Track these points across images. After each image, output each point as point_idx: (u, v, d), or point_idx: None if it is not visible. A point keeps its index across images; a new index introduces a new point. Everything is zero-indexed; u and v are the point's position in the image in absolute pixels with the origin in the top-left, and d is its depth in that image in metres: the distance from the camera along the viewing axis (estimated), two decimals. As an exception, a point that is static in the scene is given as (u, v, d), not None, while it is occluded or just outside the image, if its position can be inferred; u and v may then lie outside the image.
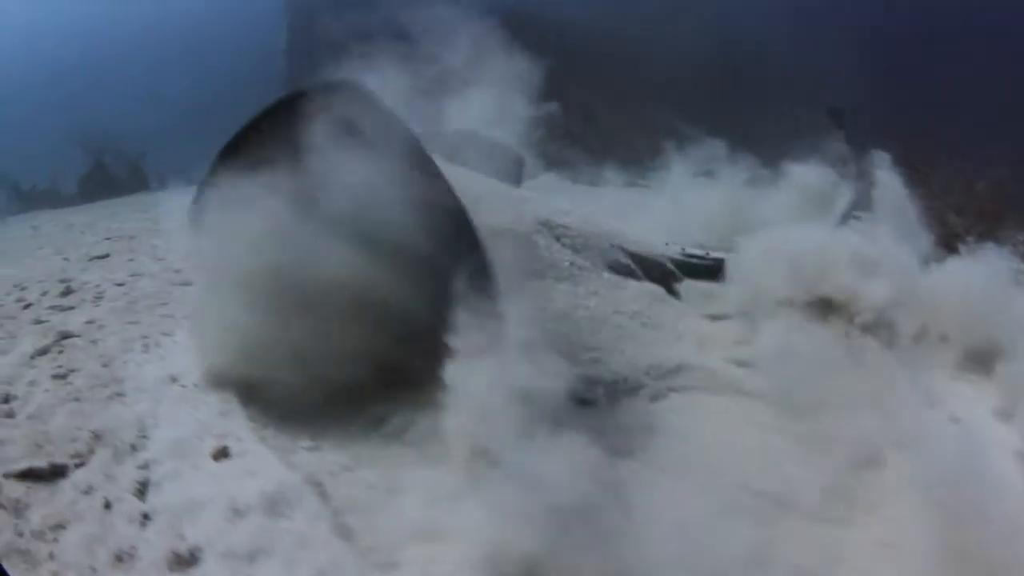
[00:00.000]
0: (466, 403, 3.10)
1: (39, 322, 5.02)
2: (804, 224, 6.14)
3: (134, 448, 3.25)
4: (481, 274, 3.46)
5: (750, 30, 22.09)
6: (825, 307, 4.81)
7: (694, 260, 6.00)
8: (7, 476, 3.00)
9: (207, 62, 36.33)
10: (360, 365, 3.46)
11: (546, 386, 3.09)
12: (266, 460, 3.07)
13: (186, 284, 5.55)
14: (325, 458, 3.22)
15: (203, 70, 36.07)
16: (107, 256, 7.06)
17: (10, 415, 3.59)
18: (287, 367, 3.40)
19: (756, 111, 18.73)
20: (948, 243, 7.54)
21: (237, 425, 3.30)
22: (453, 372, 3.17)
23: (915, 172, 8.57)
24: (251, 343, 3.55)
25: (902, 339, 4.85)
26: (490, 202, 4.17)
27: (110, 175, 16.53)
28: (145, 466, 3.12)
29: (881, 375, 4.24)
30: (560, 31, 24.89)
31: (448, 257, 3.43)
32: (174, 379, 3.84)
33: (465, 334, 3.22)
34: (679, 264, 5.84)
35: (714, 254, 6.04)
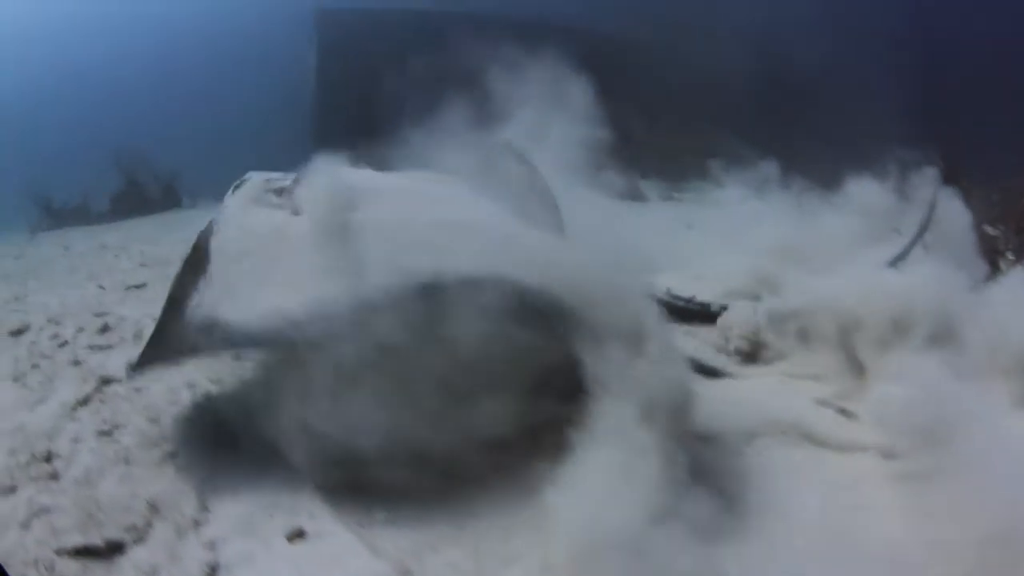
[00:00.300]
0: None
1: (77, 363, 4.74)
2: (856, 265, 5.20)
3: (196, 523, 2.90)
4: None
5: (794, 42, 21.62)
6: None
7: (680, 303, 5.37)
8: (60, 553, 2.69)
9: (239, 80, 36.34)
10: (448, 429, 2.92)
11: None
12: (348, 544, 2.68)
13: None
14: (406, 536, 2.80)
15: (235, 88, 36.09)
16: (144, 286, 6.80)
17: (54, 476, 3.30)
18: (359, 430, 2.89)
19: (806, 128, 18.25)
20: (990, 259, 6.88)
21: (307, 498, 2.93)
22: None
23: (958, 186, 8.11)
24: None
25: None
26: None
27: (143, 193, 16.33)
28: (212, 545, 2.75)
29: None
30: (601, 44, 24.62)
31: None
32: (230, 439, 3.48)
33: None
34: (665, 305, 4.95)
35: (704, 299, 5.39)
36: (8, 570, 2.31)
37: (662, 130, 18.16)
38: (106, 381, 4.30)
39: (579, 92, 11.08)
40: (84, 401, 4.02)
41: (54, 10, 47.30)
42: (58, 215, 17.25)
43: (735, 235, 7.09)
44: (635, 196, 11.41)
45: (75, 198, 17.62)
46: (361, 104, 24.04)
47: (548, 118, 12.51)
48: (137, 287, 6.58)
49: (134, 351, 4.76)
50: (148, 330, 5.11)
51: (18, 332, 5.42)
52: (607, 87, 16.32)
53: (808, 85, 20.67)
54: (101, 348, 4.98)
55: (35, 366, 4.68)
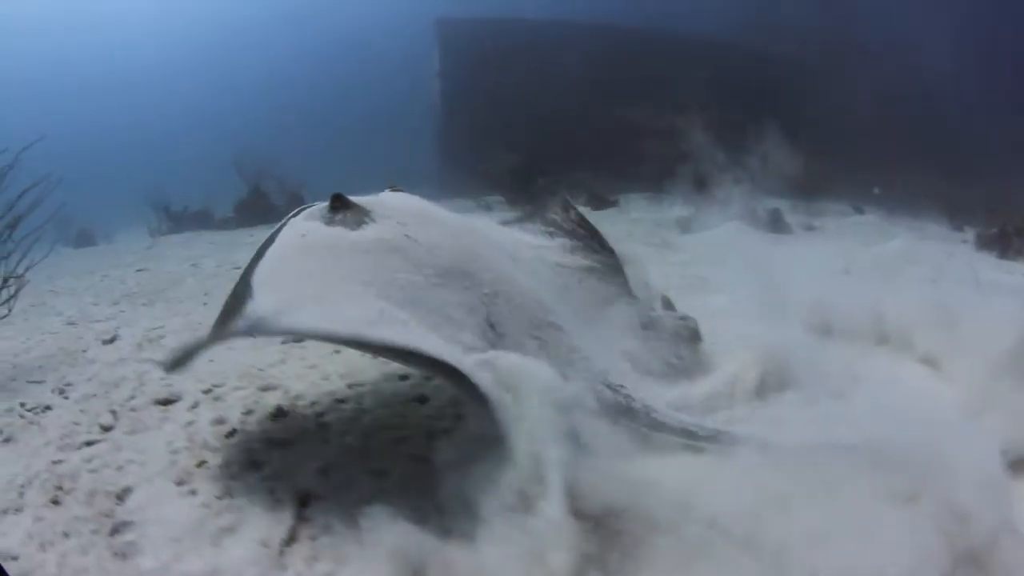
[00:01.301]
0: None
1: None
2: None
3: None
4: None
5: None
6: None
7: None
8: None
9: (364, 85, 36.26)
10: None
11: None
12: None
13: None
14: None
15: (359, 94, 36.06)
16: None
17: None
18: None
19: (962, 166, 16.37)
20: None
21: None
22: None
23: None
24: None
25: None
26: None
27: (268, 201, 15.57)
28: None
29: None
30: (738, 57, 22.81)
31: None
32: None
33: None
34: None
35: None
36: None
37: (801, 149, 16.41)
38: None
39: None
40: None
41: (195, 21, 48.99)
42: (177, 219, 16.81)
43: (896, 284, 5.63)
44: (779, 226, 10.17)
45: (195, 203, 17.14)
46: (484, 110, 23.14)
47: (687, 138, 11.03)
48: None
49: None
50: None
51: (166, 402, 4.11)
52: (745, 103, 14.53)
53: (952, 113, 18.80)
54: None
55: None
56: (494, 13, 25.21)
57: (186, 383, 4.32)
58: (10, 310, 5.18)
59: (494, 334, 2.73)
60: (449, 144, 24.19)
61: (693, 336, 3.90)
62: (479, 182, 18.16)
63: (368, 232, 2.86)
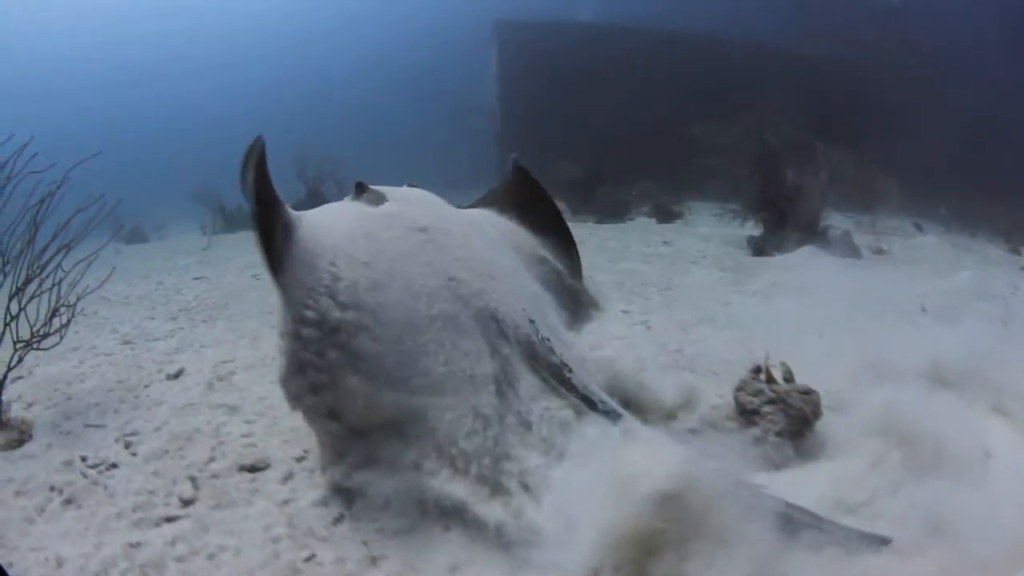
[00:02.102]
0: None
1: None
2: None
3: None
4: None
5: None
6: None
7: None
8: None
9: (422, 88, 35.94)
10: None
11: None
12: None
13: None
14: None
15: (417, 96, 35.76)
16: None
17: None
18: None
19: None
20: None
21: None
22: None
23: None
24: None
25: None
26: None
27: (325, 202, 14.83)
28: None
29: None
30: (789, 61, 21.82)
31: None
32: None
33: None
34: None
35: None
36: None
37: (865, 163, 15.31)
38: None
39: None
40: None
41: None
42: (231, 218, 16.31)
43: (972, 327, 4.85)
44: (849, 249, 9.40)
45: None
46: (542, 115, 22.44)
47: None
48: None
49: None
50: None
51: (253, 469, 3.45)
52: (812, 115, 13.51)
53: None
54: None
55: None
56: (554, 16, 24.46)
57: (271, 442, 3.60)
58: (62, 337, 4.51)
59: (455, 283, 3.18)
60: (507, 148, 23.52)
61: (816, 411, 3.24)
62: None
63: (381, 208, 3.49)
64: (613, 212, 15.65)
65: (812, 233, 9.83)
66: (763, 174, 10.91)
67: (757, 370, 3.29)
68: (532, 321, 3.26)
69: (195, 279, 9.02)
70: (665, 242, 10.63)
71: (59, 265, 4.37)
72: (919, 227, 14.09)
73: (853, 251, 9.41)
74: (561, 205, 16.64)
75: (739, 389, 3.18)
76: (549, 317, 3.50)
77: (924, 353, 3.93)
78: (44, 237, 4.39)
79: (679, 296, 6.80)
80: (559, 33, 23.76)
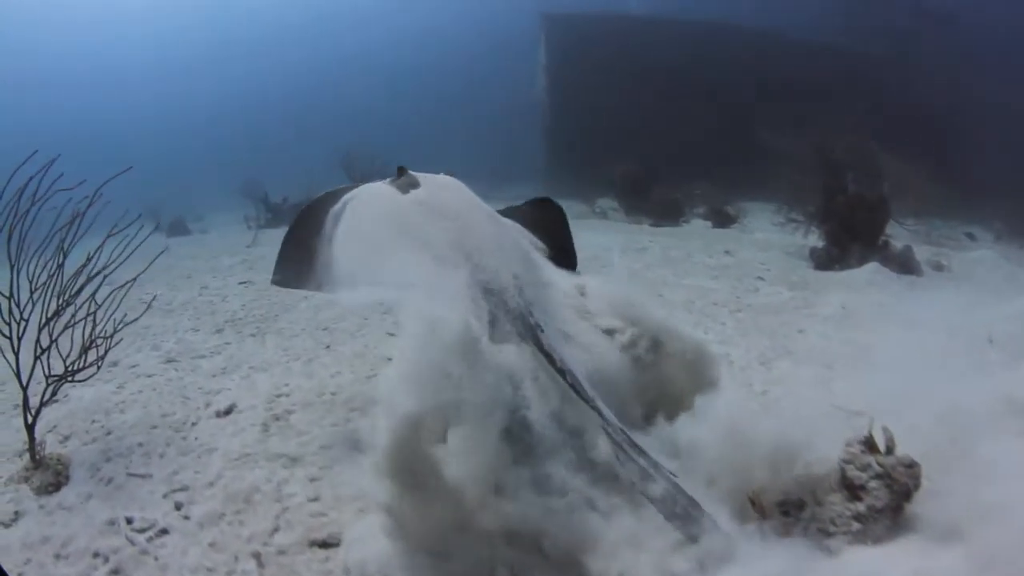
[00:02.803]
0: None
1: None
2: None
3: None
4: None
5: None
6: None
7: None
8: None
9: (472, 82, 35.55)
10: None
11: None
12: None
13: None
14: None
15: (468, 92, 35.37)
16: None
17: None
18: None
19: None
20: None
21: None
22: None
23: None
24: None
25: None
26: None
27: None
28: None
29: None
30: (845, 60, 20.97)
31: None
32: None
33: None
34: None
35: None
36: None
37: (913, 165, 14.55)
38: None
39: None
40: None
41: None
42: (277, 211, 16.01)
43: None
44: (911, 265, 9.07)
45: (297, 195, 16.28)
46: (592, 110, 21.79)
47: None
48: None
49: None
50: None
51: (325, 545, 3.00)
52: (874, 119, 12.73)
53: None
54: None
55: None
56: (603, 9, 23.71)
57: (344, 511, 3.05)
58: (98, 368, 4.01)
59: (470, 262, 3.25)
60: (556, 142, 22.95)
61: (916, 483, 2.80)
62: (589, 184, 16.75)
63: (413, 193, 3.62)
64: (667, 214, 15.00)
65: (873, 245, 9.41)
66: (828, 184, 10.44)
67: (866, 443, 2.90)
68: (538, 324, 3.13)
69: (241, 283, 8.58)
70: (727, 252, 10.09)
71: (93, 295, 3.83)
72: (971, 236, 13.89)
73: (914, 267, 9.08)
74: (612, 203, 16.22)
75: (847, 462, 2.86)
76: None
77: (1000, 397, 3.49)
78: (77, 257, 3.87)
79: (751, 320, 6.43)
80: (609, 25, 23.03)
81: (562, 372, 2.83)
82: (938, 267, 9.49)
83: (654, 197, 15.64)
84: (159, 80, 47.18)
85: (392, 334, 5.66)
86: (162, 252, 5.10)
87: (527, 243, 3.86)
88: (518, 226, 4.02)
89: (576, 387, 2.80)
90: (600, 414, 2.75)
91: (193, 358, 5.83)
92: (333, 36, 47.43)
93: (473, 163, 18.91)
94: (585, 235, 11.44)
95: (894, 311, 6.48)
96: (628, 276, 8.18)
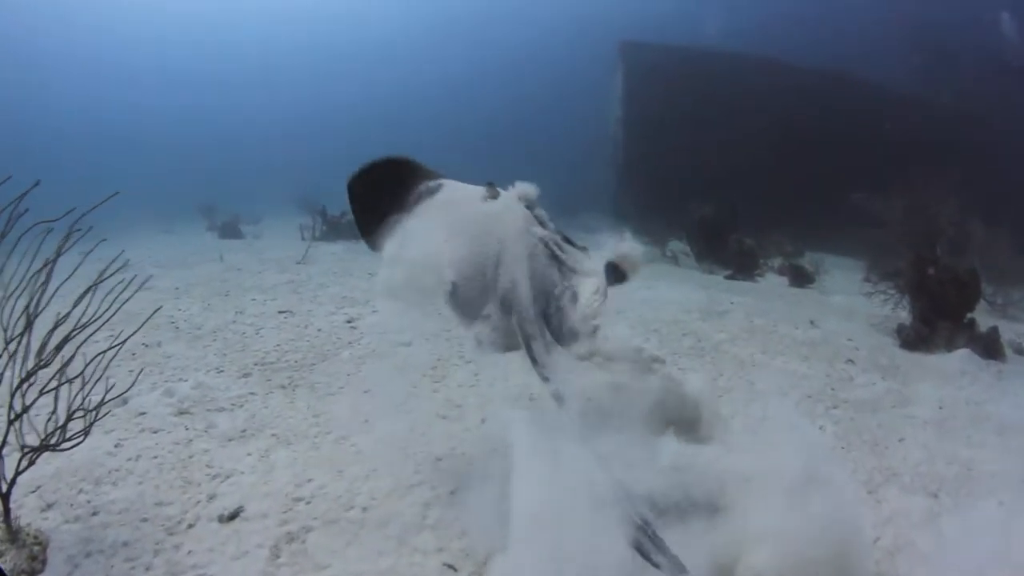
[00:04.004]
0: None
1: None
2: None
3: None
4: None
5: None
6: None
7: None
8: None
9: (544, 105, 35.19)
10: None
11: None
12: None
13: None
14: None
15: (540, 111, 35.00)
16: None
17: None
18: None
19: None
20: None
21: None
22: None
23: None
24: None
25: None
26: None
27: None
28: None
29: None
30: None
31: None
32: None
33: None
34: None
35: None
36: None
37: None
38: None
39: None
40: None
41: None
42: (333, 225, 15.42)
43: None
44: (994, 348, 8.36)
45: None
46: (669, 147, 20.80)
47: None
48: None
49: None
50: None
51: None
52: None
53: None
54: None
55: None
56: (686, 44, 22.76)
57: None
58: (87, 434, 3.22)
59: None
60: (629, 176, 21.99)
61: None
62: (659, 223, 15.78)
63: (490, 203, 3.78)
64: (741, 265, 13.90)
65: (960, 324, 8.74)
66: (921, 255, 9.46)
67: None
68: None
69: (280, 313, 7.80)
70: (812, 322, 9.08)
71: (66, 358, 3.05)
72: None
73: (998, 351, 8.39)
74: (683, 247, 15.16)
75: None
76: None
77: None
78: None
79: (849, 421, 5.65)
80: (693, 59, 22.05)
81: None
82: (1020, 350, 8.89)
83: (729, 245, 14.60)
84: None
85: (444, 417, 4.76)
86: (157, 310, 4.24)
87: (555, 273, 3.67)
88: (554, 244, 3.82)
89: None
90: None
91: (210, 410, 5.05)
92: (411, 62, 47.56)
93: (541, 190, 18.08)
94: (660, 287, 10.50)
95: (988, 412, 6.05)
96: (714, 352, 7.17)
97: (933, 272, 9.17)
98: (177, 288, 9.46)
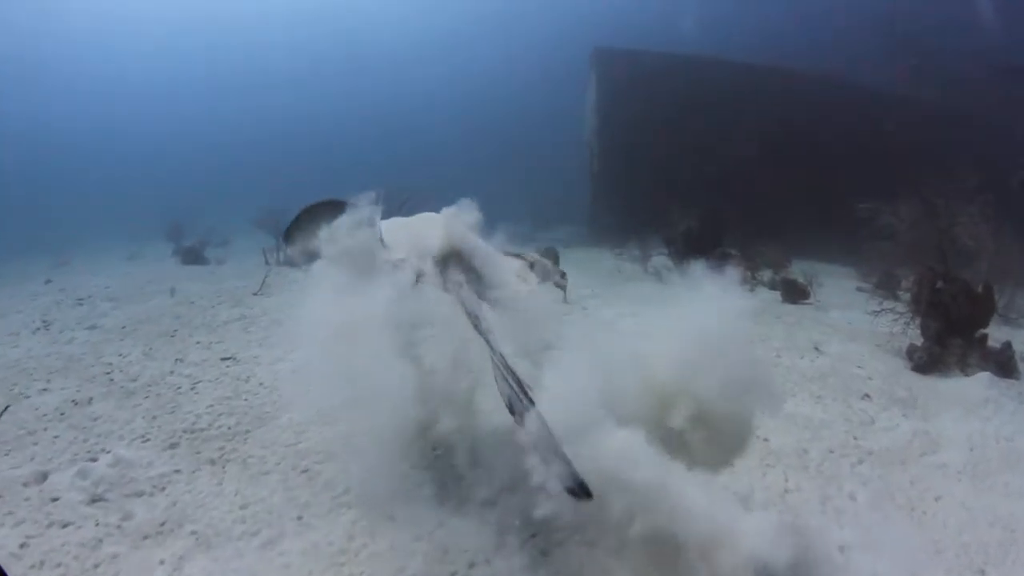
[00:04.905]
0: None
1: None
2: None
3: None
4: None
5: None
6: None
7: None
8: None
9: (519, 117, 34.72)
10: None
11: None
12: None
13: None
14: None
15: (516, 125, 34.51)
16: None
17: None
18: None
19: None
20: None
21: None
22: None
23: None
24: None
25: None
26: None
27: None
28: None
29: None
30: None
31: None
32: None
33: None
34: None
35: None
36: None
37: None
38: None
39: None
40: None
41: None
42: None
43: None
44: (1008, 367, 7.83)
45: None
46: (647, 156, 20.14)
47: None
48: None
49: None
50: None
51: None
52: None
53: None
54: None
55: None
56: (664, 50, 22.13)
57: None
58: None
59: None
60: (604, 188, 21.28)
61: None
62: (638, 235, 15.08)
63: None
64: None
65: (971, 341, 8.14)
66: (930, 268, 8.74)
67: None
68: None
69: (223, 360, 7.00)
70: (817, 348, 8.40)
71: None
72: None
73: (1013, 368, 7.88)
74: (666, 261, 14.46)
75: None
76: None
77: None
78: None
79: (878, 480, 5.00)
80: (669, 66, 21.35)
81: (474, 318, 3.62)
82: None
83: (715, 259, 13.88)
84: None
85: (391, 518, 3.94)
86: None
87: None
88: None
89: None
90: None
91: (127, 495, 4.34)
92: (395, 74, 46.93)
93: (512, 204, 17.36)
94: (647, 313, 9.74)
95: (1020, 449, 5.63)
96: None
97: (946, 288, 8.48)
98: (123, 328, 8.73)
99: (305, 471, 4.51)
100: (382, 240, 4.15)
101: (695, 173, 18.97)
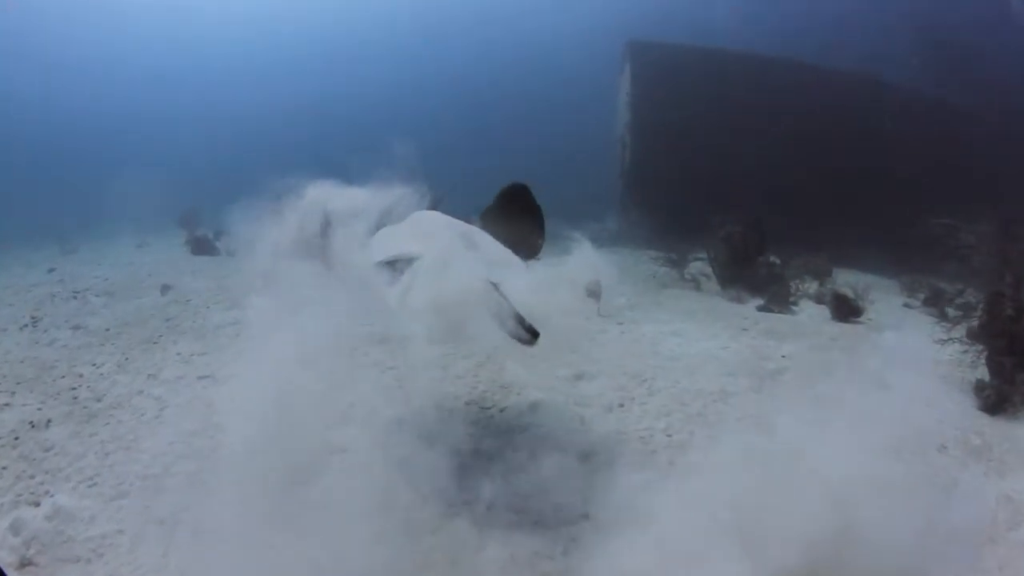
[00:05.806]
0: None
1: None
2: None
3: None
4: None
5: None
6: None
7: None
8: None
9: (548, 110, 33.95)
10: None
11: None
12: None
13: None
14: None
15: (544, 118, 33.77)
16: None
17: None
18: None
19: None
20: None
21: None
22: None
23: None
24: None
25: None
26: None
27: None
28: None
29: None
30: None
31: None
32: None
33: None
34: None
35: None
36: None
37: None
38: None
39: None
40: None
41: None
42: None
43: None
44: None
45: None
46: (684, 155, 19.06)
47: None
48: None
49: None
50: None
51: None
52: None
53: None
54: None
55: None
56: (704, 44, 21.04)
57: None
58: None
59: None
60: (637, 188, 20.23)
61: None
62: (672, 237, 14.36)
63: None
64: (774, 293, 12.14)
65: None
66: (999, 293, 7.73)
67: None
68: None
69: (200, 379, 6.12)
70: (881, 382, 7.29)
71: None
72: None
73: None
74: (702, 267, 13.43)
75: None
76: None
77: None
78: None
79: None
80: (706, 59, 20.20)
81: None
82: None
83: (758, 268, 12.87)
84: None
85: None
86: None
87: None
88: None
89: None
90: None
91: (60, 560, 3.81)
92: (414, 59, 46.32)
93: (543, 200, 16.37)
94: (690, 331, 8.78)
95: None
96: (765, 459, 5.39)
97: (1013, 313, 7.48)
98: (107, 330, 8.06)
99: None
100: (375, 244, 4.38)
101: (733, 172, 17.90)
